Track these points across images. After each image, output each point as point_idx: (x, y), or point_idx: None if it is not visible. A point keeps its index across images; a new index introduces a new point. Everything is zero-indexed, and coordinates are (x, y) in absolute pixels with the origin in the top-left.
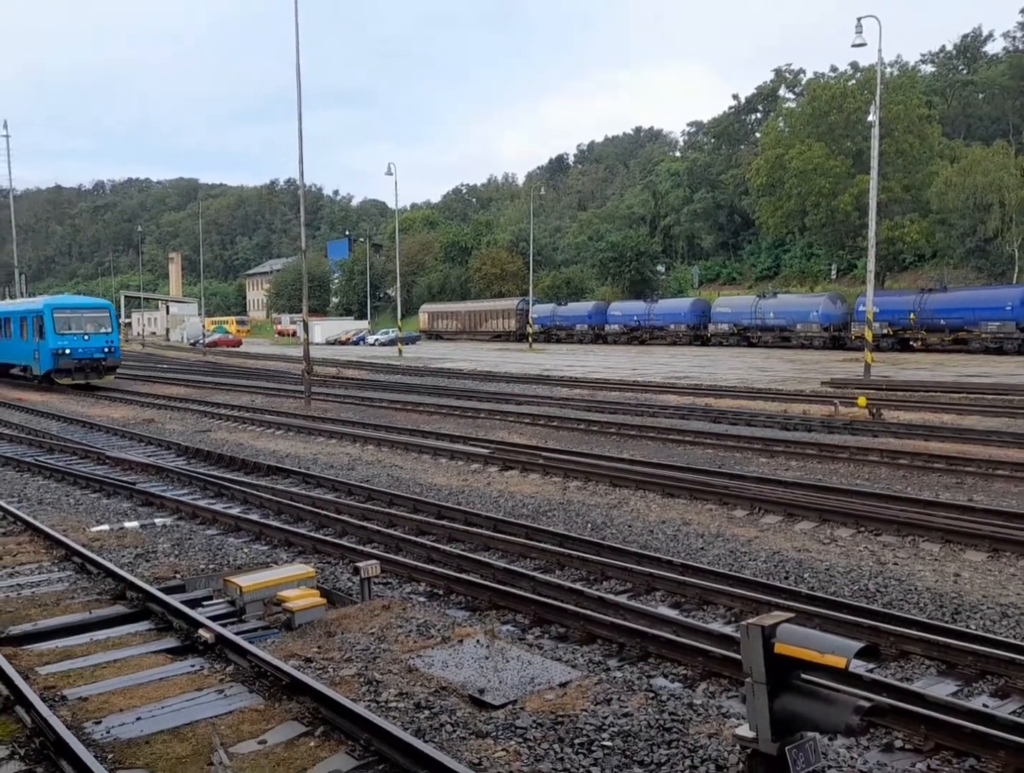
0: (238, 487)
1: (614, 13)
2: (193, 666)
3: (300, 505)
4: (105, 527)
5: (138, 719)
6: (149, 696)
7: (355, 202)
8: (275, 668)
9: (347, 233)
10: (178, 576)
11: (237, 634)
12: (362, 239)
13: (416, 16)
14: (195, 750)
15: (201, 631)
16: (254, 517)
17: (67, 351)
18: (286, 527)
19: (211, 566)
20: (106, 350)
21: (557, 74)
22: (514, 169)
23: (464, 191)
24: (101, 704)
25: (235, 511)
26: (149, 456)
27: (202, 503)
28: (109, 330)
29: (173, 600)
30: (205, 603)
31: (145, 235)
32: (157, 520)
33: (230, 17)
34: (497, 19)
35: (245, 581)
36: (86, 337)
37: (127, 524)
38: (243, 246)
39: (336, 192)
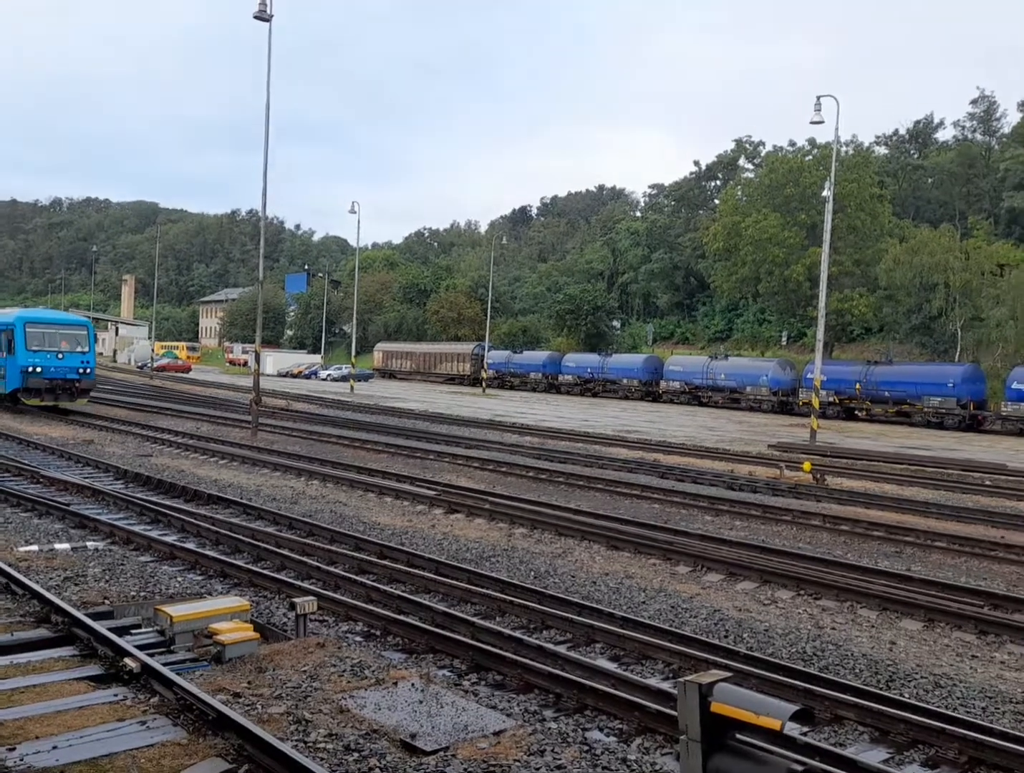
0: (176, 514)
1: (581, 72)
2: (116, 695)
3: (239, 536)
4: (34, 547)
5: (54, 748)
6: (68, 724)
7: (316, 237)
8: (201, 701)
9: (306, 267)
10: (107, 602)
11: (164, 665)
12: (321, 274)
13: (388, 59)
14: None
15: (127, 660)
16: (191, 546)
17: (38, 369)
18: (223, 558)
19: (142, 593)
20: (81, 371)
21: (524, 126)
22: (477, 216)
23: (426, 234)
24: (16, 730)
25: (171, 539)
26: (86, 478)
27: (138, 528)
28: (86, 349)
29: (99, 626)
30: (133, 631)
31: (100, 255)
32: (89, 543)
33: (204, 40)
34: (468, 68)
35: (176, 611)
36: (60, 355)
37: (57, 546)
38: (199, 273)
39: (298, 226)
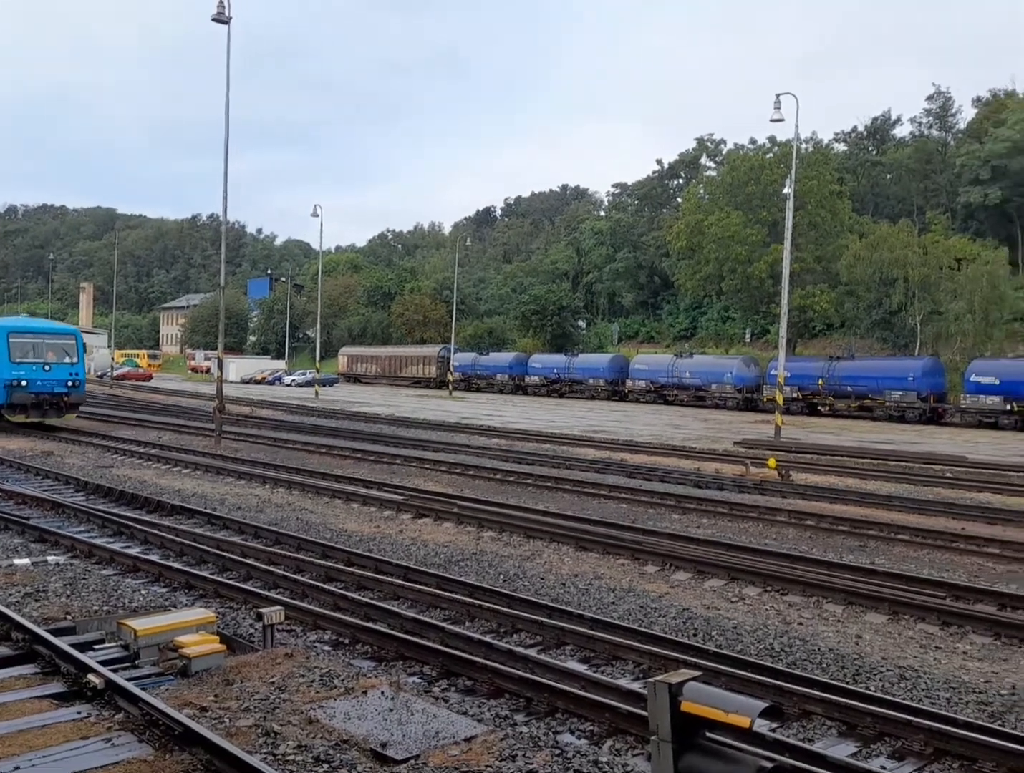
0: (139, 526)
1: (542, 72)
2: (80, 713)
3: (204, 547)
4: None
5: (16, 768)
6: (30, 744)
7: (278, 242)
8: (167, 716)
9: (269, 272)
10: (69, 617)
11: (129, 680)
12: (284, 278)
13: (350, 61)
14: None
15: (90, 676)
16: (154, 558)
17: (23, 383)
18: (187, 569)
19: (105, 608)
20: (70, 384)
21: (486, 128)
22: (441, 218)
23: (390, 237)
24: None
25: (134, 551)
26: (45, 490)
27: (99, 541)
28: (74, 360)
29: (61, 642)
30: (96, 646)
31: (57, 263)
32: (50, 558)
33: (163, 43)
34: (431, 70)
35: (140, 625)
36: (47, 367)
37: (17, 561)
38: (159, 279)
39: (260, 230)
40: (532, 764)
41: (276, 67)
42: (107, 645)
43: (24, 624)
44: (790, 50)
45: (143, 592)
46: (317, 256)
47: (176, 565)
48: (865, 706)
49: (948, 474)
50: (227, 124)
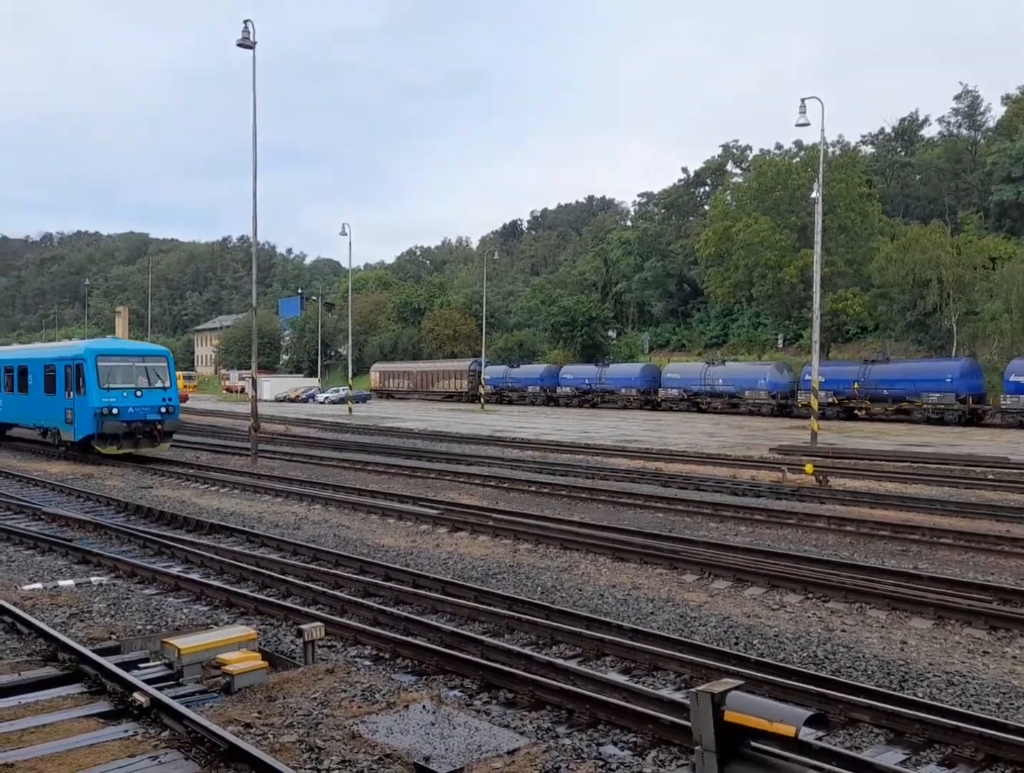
0: (179, 545)
1: (565, 85)
2: (127, 731)
3: (243, 565)
4: (38, 585)
5: None
6: (79, 763)
7: (308, 261)
8: (212, 734)
9: (299, 291)
10: (113, 637)
11: (174, 698)
12: (314, 297)
13: (373, 81)
14: None
15: (136, 694)
16: (195, 576)
17: (114, 411)
18: (228, 587)
19: (148, 627)
20: (163, 410)
21: (511, 141)
22: (468, 233)
23: (418, 253)
24: (28, 771)
25: (175, 570)
26: (87, 512)
27: (141, 561)
28: (167, 384)
29: (107, 662)
30: (141, 665)
31: (92, 288)
32: (93, 579)
33: (185, 71)
34: (454, 85)
35: (183, 643)
36: (139, 393)
37: (62, 582)
38: (192, 301)
39: (289, 250)
40: None
41: (302, 90)
42: (151, 664)
43: (70, 644)
44: (815, 53)
45: (185, 611)
46: (347, 274)
47: (216, 583)
48: (913, 713)
49: (990, 476)
50: (255, 147)
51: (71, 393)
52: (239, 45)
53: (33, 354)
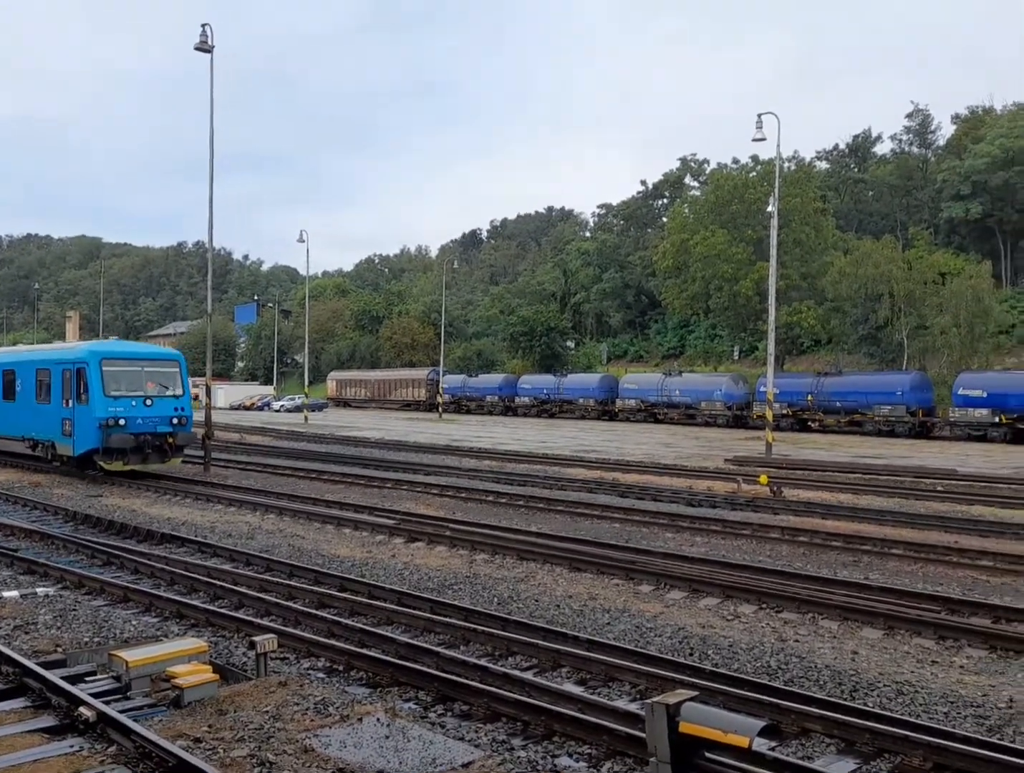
0: (129, 555)
1: (525, 96)
2: (72, 746)
3: (194, 575)
4: None
5: None
6: None
7: (265, 267)
8: (160, 748)
9: (256, 298)
10: (59, 649)
11: (121, 712)
12: (271, 304)
13: (329, 85)
14: None
15: (82, 709)
16: (145, 587)
17: (121, 422)
18: (178, 598)
19: (96, 639)
20: (175, 421)
21: (471, 150)
22: (427, 241)
23: (377, 261)
24: None
25: (125, 581)
26: (34, 521)
27: (89, 572)
28: (179, 392)
29: (52, 675)
30: (87, 679)
31: (42, 292)
32: (39, 589)
33: (137, 72)
34: (413, 96)
35: (132, 655)
36: (148, 402)
37: (6, 594)
38: (146, 307)
39: (246, 256)
40: None
41: (260, 95)
42: (99, 677)
43: (14, 657)
44: (771, 70)
45: (134, 622)
46: (304, 281)
47: (167, 594)
48: (863, 722)
49: (939, 487)
50: (211, 153)
51: (70, 401)
52: (196, 49)
53: (21, 357)
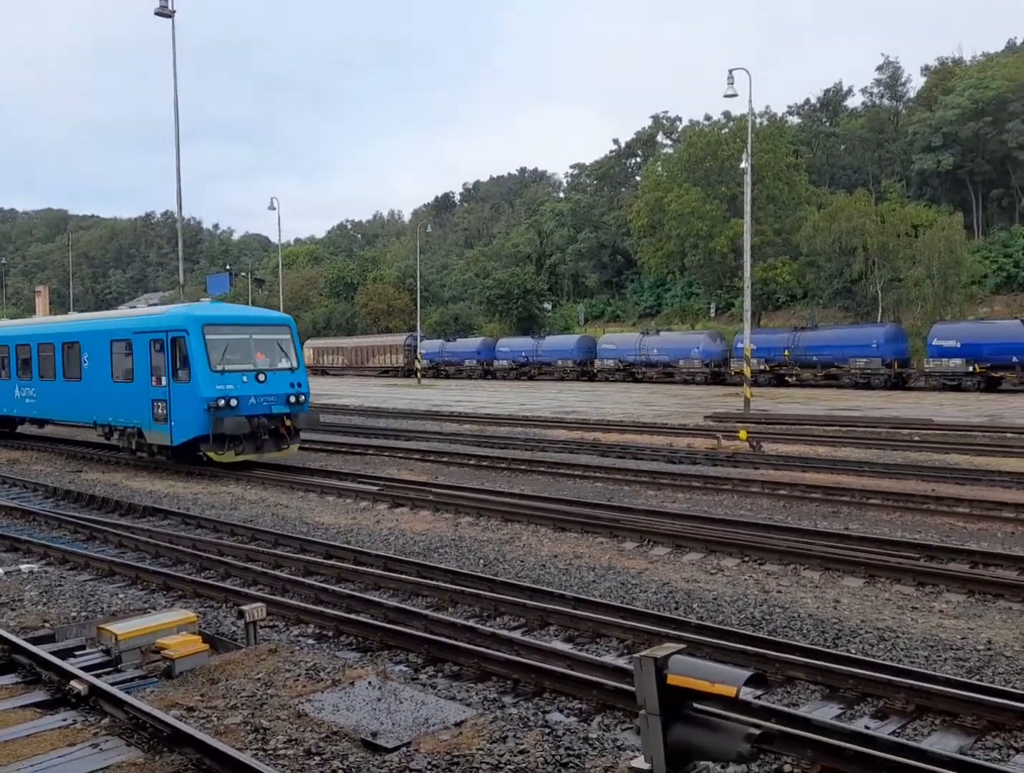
0: (112, 530)
1: (491, 58)
2: (65, 720)
3: (179, 547)
4: None
5: None
6: (17, 754)
7: (236, 236)
8: (154, 719)
9: (228, 267)
10: (47, 625)
11: (112, 684)
12: (243, 273)
13: (298, 50)
14: None
15: (73, 682)
16: (130, 561)
17: (232, 402)
18: (165, 571)
19: (83, 614)
20: (293, 399)
21: (442, 113)
22: (400, 206)
23: (349, 227)
24: None
25: (109, 555)
26: (13, 499)
27: (73, 547)
28: (294, 364)
29: (41, 651)
30: (77, 653)
31: (9, 267)
32: (23, 566)
33: (102, 42)
34: (381, 56)
35: (121, 628)
36: (261, 377)
37: None
38: (116, 279)
39: (216, 226)
40: (523, 744)
41: (224, 62)
42: (88, 651)
43: (2, 634)
44: (742, 25)
45: (121, 596)
46: (276, 250)
47: (153, 567)
48: (847, 669)
49: (916, 438)
50: (177, 122)
51: (162, 379)
52: (157, 14)
53: (87, 326)
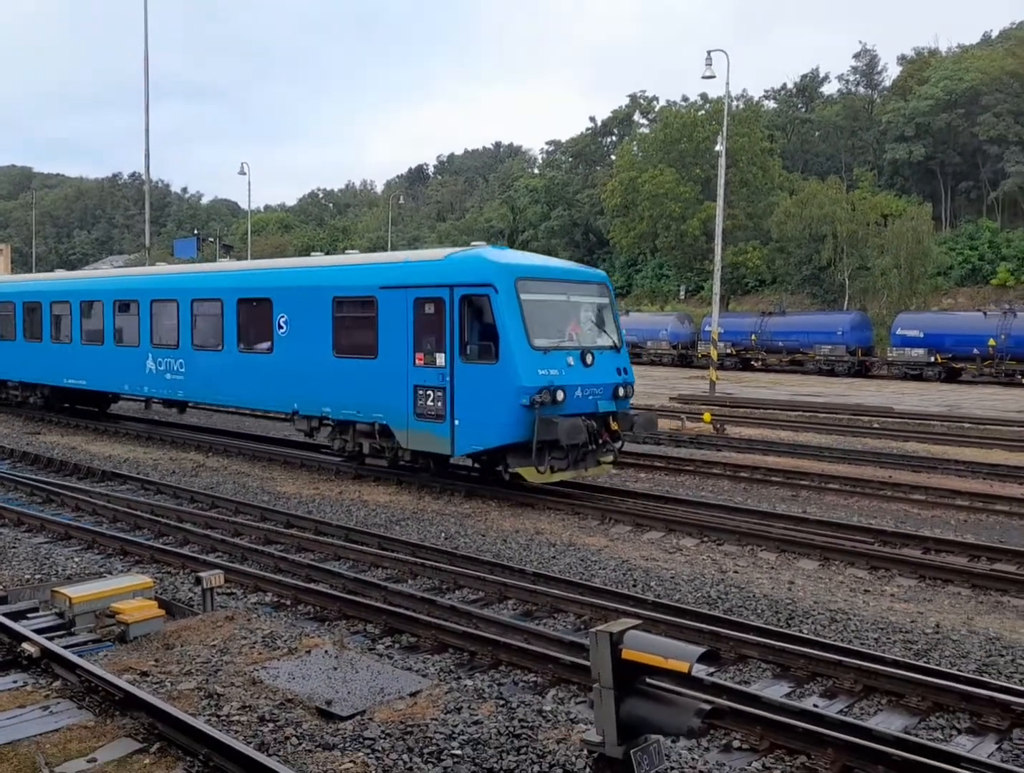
0: (69, 493)
1: (473, 27)
2: (16, 682)
3: (138, 512)
4: None
5: None
6: None
7: (205, 201)
8: (107, 682)
9: (196, 232)
10: (0, 587)
11: (65, 648)
12: (212, 239)
13: (274, 15)
14: (17, 771)
15: (25, 645)
16: (87, 525)
17: (558, 396)
18: (122, 535)
19: (38, 576)
20: (621, 393)
21: (417, 84)
22: (373, 176)
23: (321, 196)
24: None
25: (66, 518)
26: None
27: (28, 510)
28: (617, 342)
29: None
30: (30, 615)
31: None
32: None
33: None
34: (358, 25)
35: (75, 592)
36: (589, 358)
37: None
38: (81, 240)
39: (185, 189)
40: (477, 715)
41: (198, 22)
42: (41, 614)
43: None
44: (723, 6)
45: (76, 559)
46: (246, 215)
47: (110, 531)
48: (798, 648)
49: (876, 425)
50: (147, 85)
51: (436, 356)
52: None
53: (286, 276)
